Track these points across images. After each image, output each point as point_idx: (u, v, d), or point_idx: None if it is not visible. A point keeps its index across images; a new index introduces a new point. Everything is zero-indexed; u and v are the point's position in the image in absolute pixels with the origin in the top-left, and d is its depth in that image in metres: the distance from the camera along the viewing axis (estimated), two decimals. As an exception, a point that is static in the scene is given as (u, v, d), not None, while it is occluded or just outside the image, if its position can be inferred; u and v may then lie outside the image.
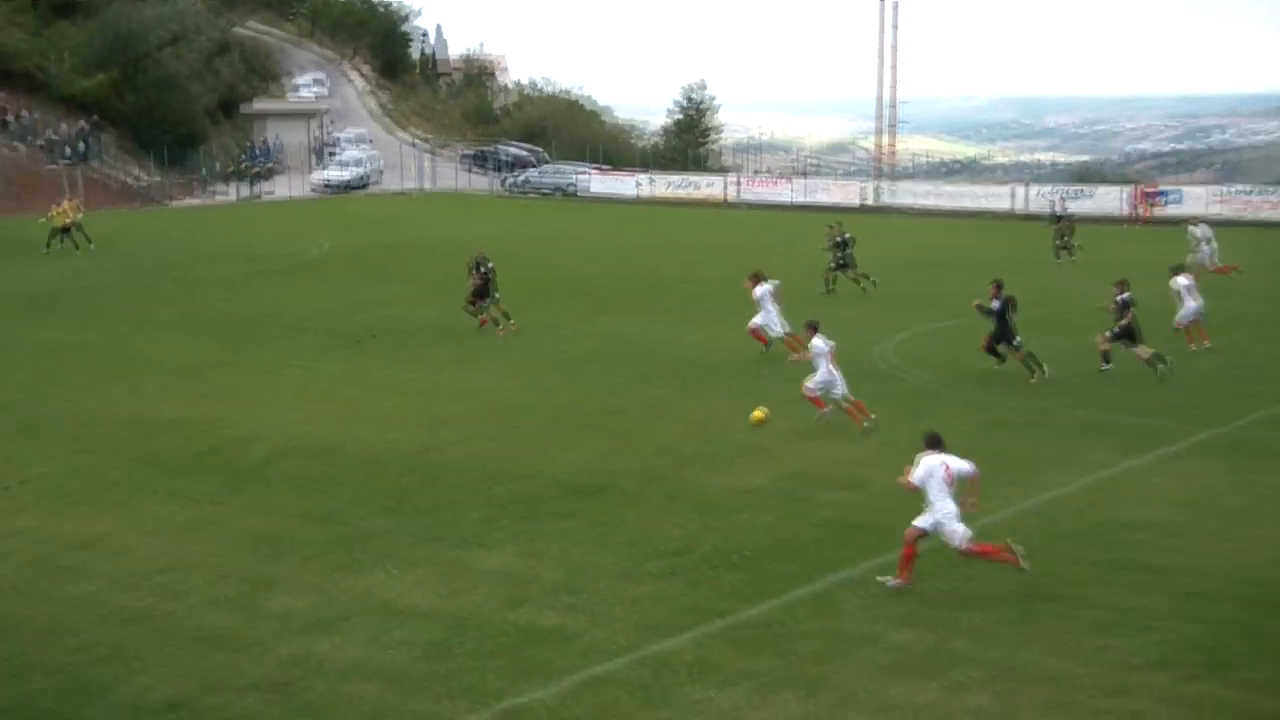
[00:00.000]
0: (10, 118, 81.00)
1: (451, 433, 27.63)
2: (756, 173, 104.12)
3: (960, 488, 18.80)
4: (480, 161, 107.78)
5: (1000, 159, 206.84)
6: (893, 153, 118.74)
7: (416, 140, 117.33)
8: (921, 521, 18.66)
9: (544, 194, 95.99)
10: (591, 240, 65.83)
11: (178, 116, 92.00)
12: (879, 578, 19.00)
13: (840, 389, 27.78)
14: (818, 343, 27.94)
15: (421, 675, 16.20)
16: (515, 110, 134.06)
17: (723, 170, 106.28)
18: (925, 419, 26.01)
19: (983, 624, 17.57)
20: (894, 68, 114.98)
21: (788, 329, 34.47)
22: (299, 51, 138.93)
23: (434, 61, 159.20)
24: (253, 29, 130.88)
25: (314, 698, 15.61)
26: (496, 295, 39.38)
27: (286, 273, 51.73)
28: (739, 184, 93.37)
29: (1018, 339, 32.11)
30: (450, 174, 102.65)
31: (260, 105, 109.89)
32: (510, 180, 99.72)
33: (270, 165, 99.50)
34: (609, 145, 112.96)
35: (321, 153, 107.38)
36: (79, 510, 22.18)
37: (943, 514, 18.51)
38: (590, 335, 38.92)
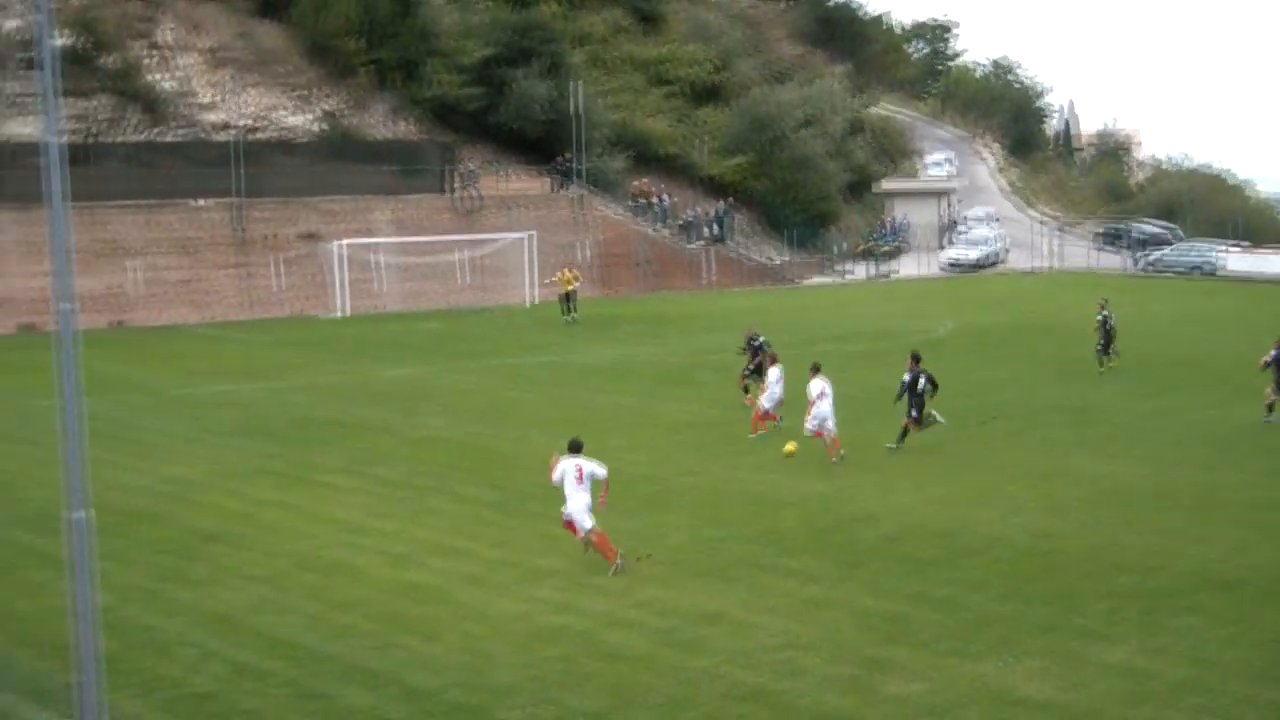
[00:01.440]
0: (655, 200, 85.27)
1: (1075, 519, 26.88)
2: None
3: (594, 487, 23.20)
4: (1113, 239, 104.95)
5: None
6: None
7: (1046, 218, 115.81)
8: (564, 512, 23.37)
9: (1180, 273, 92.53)
10: (1232, 322, 62.76)
11: (811, 196, 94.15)
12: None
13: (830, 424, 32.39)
14: (813, 385, 32.61)
15: (1037, 772, 15.71)
16: (1149, 186, 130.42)
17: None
18: None
19: None
20: None
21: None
22: (929, 130, 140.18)
23: (1067, 138, 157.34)
24: (885, 109, 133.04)
25: (926, 787, 15.41)
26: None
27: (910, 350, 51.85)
28: None
29: (918, 413, 33.71)
30: (1079, 253, 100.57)
31: (889, 184, 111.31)
32: (1143, 259, 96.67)
33: (898, 244, 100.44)
34: (1252, 221, 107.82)
35: (948, 231, 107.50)
36: (702, 584, 22.80)
37: (573, 507, 23.18)
38: (1226, 421, 37.15)
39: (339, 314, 67.51)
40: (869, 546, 24.99)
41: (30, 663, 19.33)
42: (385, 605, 21.87)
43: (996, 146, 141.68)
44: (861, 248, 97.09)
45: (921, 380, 33.75)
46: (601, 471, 23.51)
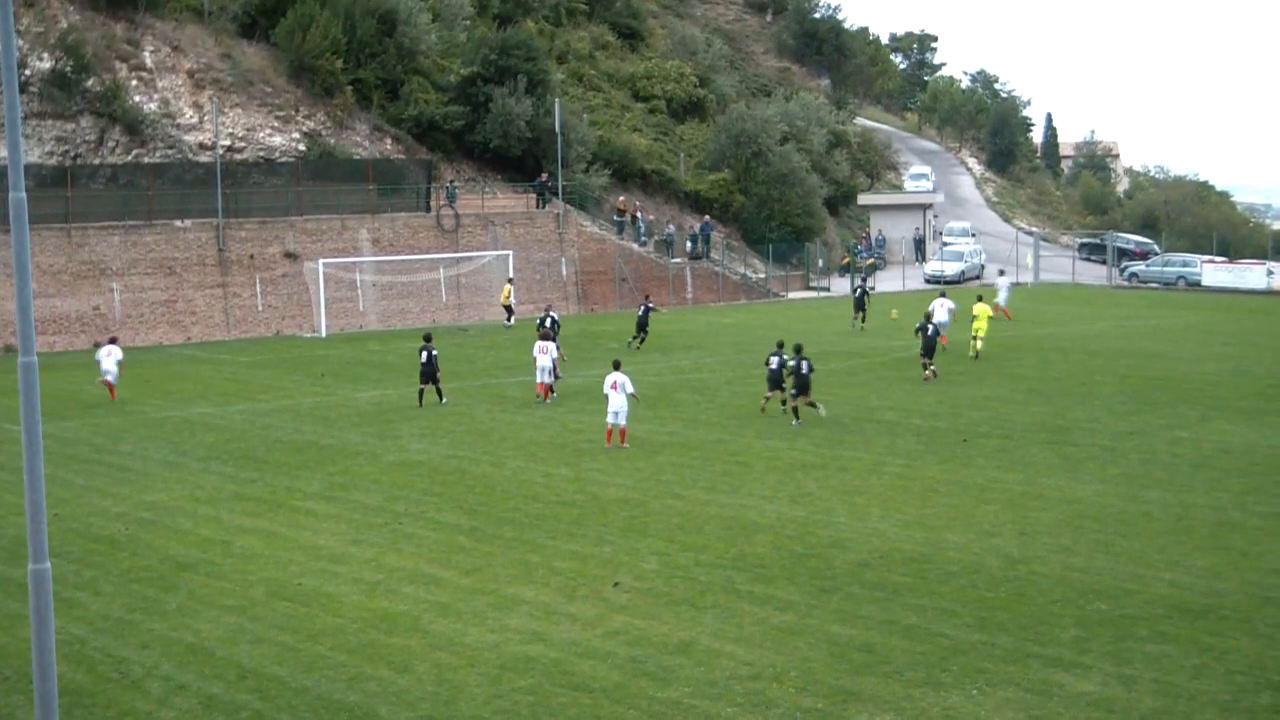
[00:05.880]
0: (635, 216, 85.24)
1: (1047, 543, 26.93)
2: None
3: None
4: (1095, 251, 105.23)
5: None
6: None
7: (1026, 230, 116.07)
8: None
9: (1163, 285, 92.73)
10: (1209, 336, 62.99)
11: (791, 211, 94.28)
12: None
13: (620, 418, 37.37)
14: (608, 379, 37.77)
15: (1002, 805, 15.73)
16: (1127, 199, 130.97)
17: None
18: None
19: None
20: None
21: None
22: (910, 143, 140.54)
23: (1047, 150, 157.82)
24: (866, 122, 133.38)
25: (891, 822, 15.43)
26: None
27: (892, 369, 52.02)
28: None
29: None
30: (1060, 265, 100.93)
31: (870, 199, 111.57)
32: (1127, 270, 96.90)
33: (876, 258, 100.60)
34: (1230, 233, 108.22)
35: (924, 245, 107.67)
36: (673, 612, 22.83)
37: None
38: (1201, 441, 37.14)
39: (320, 334, 67.55)
40: (841, 572, 25.04)
41: (0, 697, 19.32)
42: (358, 635, 21.89)
43: (975, 160, 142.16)
44: (846, 261, 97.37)
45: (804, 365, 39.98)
46: None
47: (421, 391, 44.56)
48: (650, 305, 61.18)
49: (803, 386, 40.09)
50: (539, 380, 45.41)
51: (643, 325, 59.28)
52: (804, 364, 39.96)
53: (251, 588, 24.61)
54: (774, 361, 41.21)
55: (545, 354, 45.21)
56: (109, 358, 46.87)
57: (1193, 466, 33.87)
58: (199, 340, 65.72)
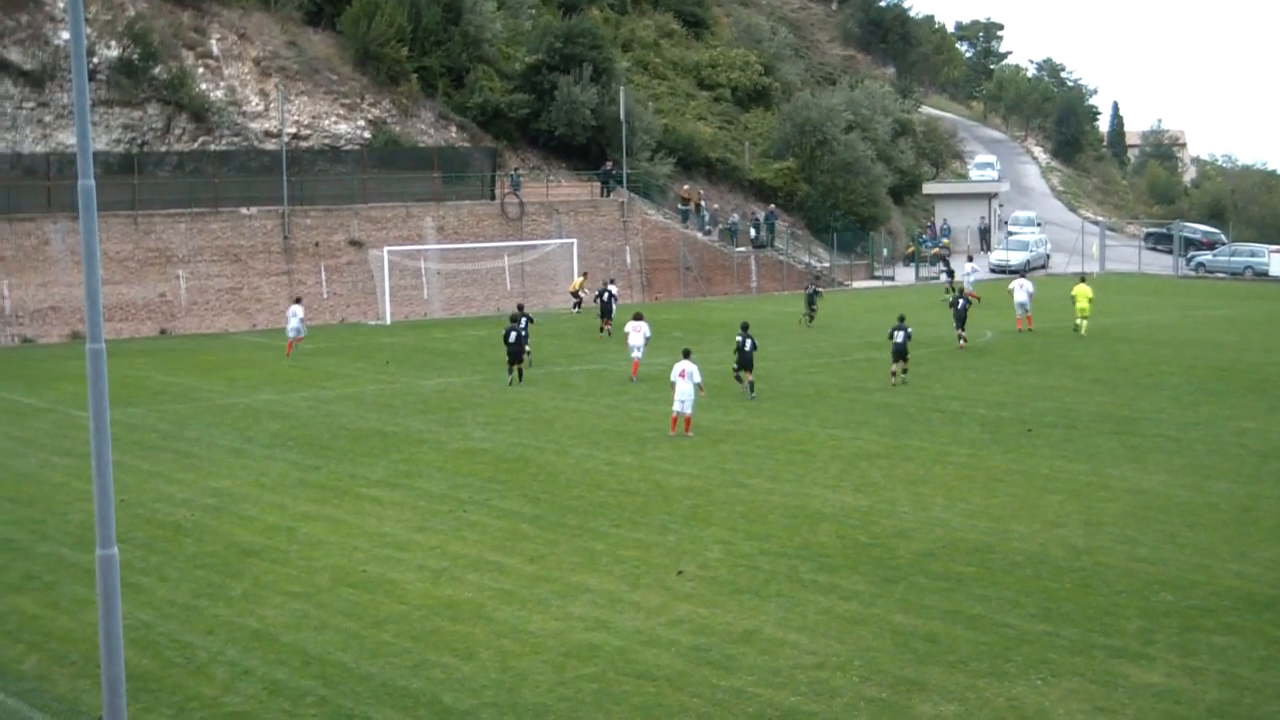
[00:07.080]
0: (699, 205, 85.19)
1: (1113, 534, 26.75)
2: None
3: None
4: (1162, 241, 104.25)
5: None
6: None
7: (1092, 219, 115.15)
8: None
9: (1231, 275, 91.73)
10: (1277, 327, 62.32)
11: (856, 200, 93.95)
12: None
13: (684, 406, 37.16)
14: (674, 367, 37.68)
15: (1067, 797, 15.65)
16: (1195, 188, 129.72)
17: None
18: None
19: None
20: None
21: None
22: (975, 132, 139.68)
23: (1114, 139, 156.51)
24: (931, 111, 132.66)
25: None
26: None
27: (956, 358, 51.77)
28: None
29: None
30: (1126, 255, 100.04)
31: (935, 187, 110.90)
32: (1194, 260, 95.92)
33: (940, 248, 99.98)
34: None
35: (989, 235, 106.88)
36: (737, 600, 22.83)
37: None
38: (1269, 432, 36.81)
39: (385, 321, 67.89)
40: (905, 562, 24.96)
41: (67, 681, 19.53)
42: (422, 622, 21.98)
43: (1040, 149, 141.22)
44: (911, 251, 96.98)
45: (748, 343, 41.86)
46: None
47: (518, 370, 46.18)
48: (818, 289, 65.91)
49: (746, 362, 42.35)
50: (634, 358, 47.36)
51: (811, 302, 63.41)
52: (750, 341, 42.02)
53: (316, 574, 24.77)
54: (899, 335, 44.71)
55: (637, 332, 47.14)
56: (294, 318, 54.09)
57: (1260, 457, 33.58)
58: (264, 327, 66.13)
